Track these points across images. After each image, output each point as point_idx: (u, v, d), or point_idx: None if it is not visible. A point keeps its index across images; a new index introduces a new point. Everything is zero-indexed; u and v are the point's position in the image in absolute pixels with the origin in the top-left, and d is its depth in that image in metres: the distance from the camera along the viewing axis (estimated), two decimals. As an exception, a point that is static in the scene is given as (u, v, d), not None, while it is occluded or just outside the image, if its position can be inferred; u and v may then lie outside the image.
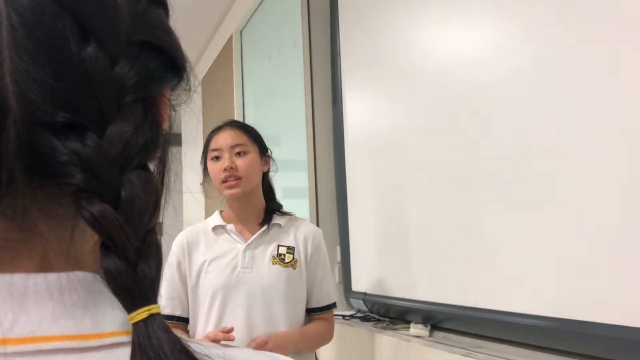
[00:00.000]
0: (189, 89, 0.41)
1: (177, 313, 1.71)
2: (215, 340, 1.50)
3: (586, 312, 1.26)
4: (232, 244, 1.72)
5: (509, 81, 1.50)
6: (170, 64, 0.37)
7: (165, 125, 0.39)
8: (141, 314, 0.32)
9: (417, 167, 1.93)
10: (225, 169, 1.68)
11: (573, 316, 1.29)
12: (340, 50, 2.54)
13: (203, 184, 1.80)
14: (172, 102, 0.41)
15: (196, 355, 0.33)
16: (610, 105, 1.20)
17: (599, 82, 1.23)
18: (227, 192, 1.70)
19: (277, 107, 3.28)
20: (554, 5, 1.35)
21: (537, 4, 1.40)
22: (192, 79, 0.41)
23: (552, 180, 1.35)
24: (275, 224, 1.77)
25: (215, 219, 1.78)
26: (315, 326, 1.77)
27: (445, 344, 1.71)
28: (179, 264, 1.71)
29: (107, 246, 0.32)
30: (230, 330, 1.55)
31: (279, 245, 1.73)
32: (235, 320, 1.65)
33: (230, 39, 4.09)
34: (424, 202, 1.91)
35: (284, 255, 1.72)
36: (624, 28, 1.17)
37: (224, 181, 1.69)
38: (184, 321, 1.71)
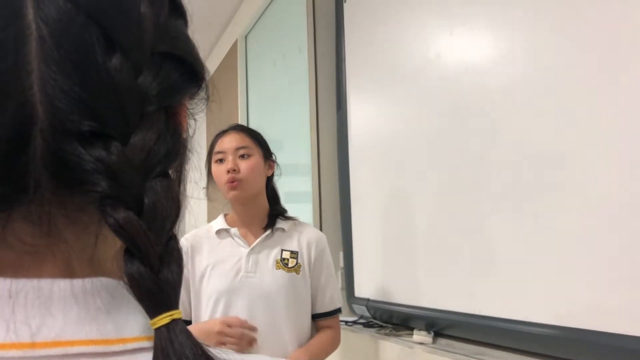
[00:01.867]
0: (207, 98, 0.42)
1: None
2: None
3: (591, 320, 1.26)
4: (235, 248, 1.72)
5: (514, 87, 1.51)
6: (190, 73, 0.38)
7: (185, 134, 0.40)
8: (164, 319, 0.33)
9: (422, 173, 1.94)
10: (228, 171, 1.69)
11: (577, 324, 1.29)
12: (345, 55, 2.55)
13: (207, 187, 1.80)
14: (191, 111, 0.41)
15: None
16: (614, 112, 1.21)
17: (603, 89, 1.24)
18: (231, 194, 1.70)
19: (282, 112, 3.29)
20: (558, 12, 1.36)
21: (542, 11, 1.41)
22: (210, 88, 0.42)
23: (558, 187, 1.35)
24: (279, 228, 1.76)
25: (219, 222, 1.78)
26: (320, 339, 1.77)
27: (449, 351, 1.71)
28: None
29: (131, 252, 0.33)
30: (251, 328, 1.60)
31: (282, 250, 1.73)
32: (239, 324, 1.65)
33: (235, 43, 4.10)
34: (428, 208, 1.91)
35: (288, 259, 1.72)
36: (629, 35, 1.18)
37: (227, 182, 1.69)
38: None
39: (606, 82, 1.23)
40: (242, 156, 1.71)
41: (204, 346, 0.34)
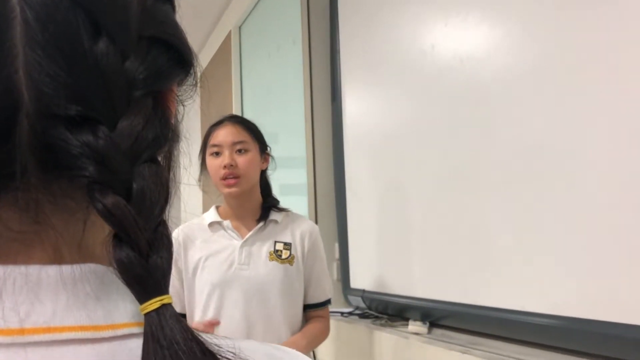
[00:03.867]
0: (196, 84, 0.42)
1: (177, 310, 1.70)
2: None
3: (586, 309, 1.27)
4: (228, 241, 1.72)
5: (509, 79, 1.50)
6: (178, 59, 0.38)
7: (173, 120, 0.39)
8: (153, 304, 0.32)
9: (417, 164, 1.94)
10: (225, 167, 1.68)
11: (572, 313, 1.30)
12: (339, 47, 2.54)
13: (200, 178, 1.80)
14: (179, 97, 0.41)
15: (207, 344, 0.33)
16: (611, 104, 1.21)
17: (599, 80, 1.24)
18: (226, 190, 1.70)
19: (276, 104, 3.28)
20: (553, 3, 1.36)
21: (537, 2, 1.41)
22: (198, 74, 0.41)
23: (553, 178, 1.36)
24: (272, 220, 1.76)
25: (212, 214, 1.78)
26: (314, 326, 1.77)
27: (444, 341, 1.72)
28: (175, 262, 1.71)
29: (120, 237, 0.32)
30: (216, 323, 1.57)
31: (275, 242, 1.73)
32: (233, 317, 1.65)
33: (229, 34, 4.08)
34: (423, 199, 1.91)
35: (281, 251, 1.72)
36: (624, 26, 1.18)
37: (223, 178, 1.69)
38: (182, 317, 1.71)
39: (603, 74, 1.23)
40: (239, 151, 1.71)
41: (195, 331, 0.33)
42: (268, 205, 1.80)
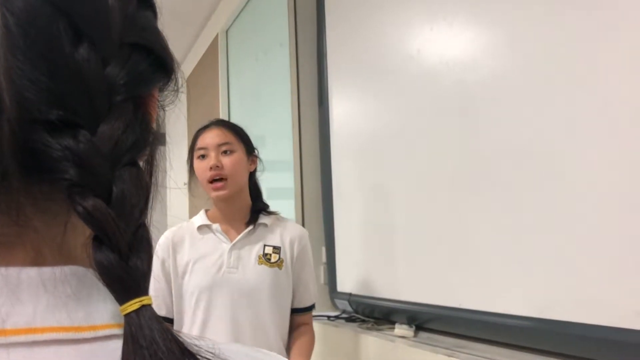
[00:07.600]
0: (177, 90, 0.42)
1: (162, 313, 1.70)
2: None
3: (570, 312, 1.27)
4: (217, 244, 1.71)
5: (495, 82, 1.52)
6: (159, 65, 0.38)
7: (154, 125, 0.40)
8: (133, 305, 0.33)
9: (403, 168, 1.95)
10: (211, 168, 1.68)
11: (557, 317, 1.31)
12: (326, 50, 2.55)
13: (189, 183, 1.79)
14: (160, 102, 0.41)
15: (186, 345, 0.34)
16: (596, 106, 1.22)
17: (584, 83, 1.25)
18: (214, 193, 1.69)
19: (263, 107, 3.28)
20: (539, 6, 1.37)
21: (523, 6, 1.42)
22: (180, 80, 0.42)
23: (538, 181, 1.37)
24: (261, 223, 1.76)
25: (201, 218, 1.77)
26: (306, 340, 1.77)
27: (430, 344, 1.72)
28: (163, 264, 1.71)
29: (100, 240, 0.33)
30: None
31: (265, 245, 1.73)
32: (221, 320, 1.65)
33: (216, 38, 4.08)
34: (410, 203, 1.92)
35: (270, 255, 1.72)
36: (609, 30, 1.19)
37: (210, 181, 1.68)
38: (168, 321, 1.71)
39: (588, 77, 1.24)
40: (225, 152, 1.70)
41: (174, 332, 0.34)
42: (257, 208, 1.79)
